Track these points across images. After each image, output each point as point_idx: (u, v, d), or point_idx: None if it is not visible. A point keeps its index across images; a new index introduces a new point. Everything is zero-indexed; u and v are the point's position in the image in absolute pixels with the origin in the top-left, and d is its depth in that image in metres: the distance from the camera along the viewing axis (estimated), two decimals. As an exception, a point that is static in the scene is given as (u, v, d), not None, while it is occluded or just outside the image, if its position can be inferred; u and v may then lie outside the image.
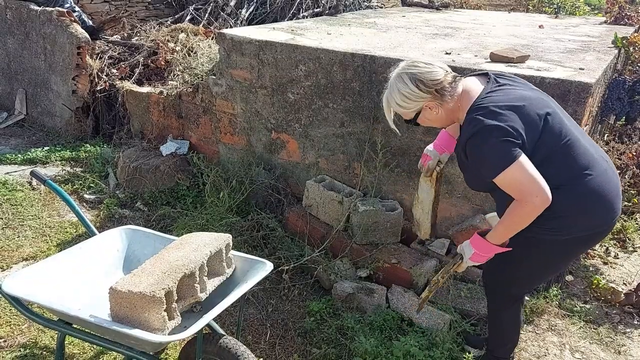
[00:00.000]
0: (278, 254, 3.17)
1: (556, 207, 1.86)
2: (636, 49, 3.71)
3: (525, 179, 1.81)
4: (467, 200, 3.08)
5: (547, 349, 2.68)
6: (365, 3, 6.41)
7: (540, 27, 4.61)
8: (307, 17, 6.12)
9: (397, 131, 2.32)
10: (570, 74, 2.75)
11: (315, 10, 6.35)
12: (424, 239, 2.72)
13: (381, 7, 6.40)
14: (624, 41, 3.69)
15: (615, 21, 5.30)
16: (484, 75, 2.08)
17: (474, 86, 2.01)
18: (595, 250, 3.62)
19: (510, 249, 2.01)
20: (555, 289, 3.07)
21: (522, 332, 2.76)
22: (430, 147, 2.36)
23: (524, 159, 1.81)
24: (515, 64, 2.92)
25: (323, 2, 6.30)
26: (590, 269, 3.41)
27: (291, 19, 6.13)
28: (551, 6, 7.61)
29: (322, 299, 2.93)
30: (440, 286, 2.26)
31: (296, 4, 6.31)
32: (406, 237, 3.29)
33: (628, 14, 5.42)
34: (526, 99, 1.92)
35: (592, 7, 9.61)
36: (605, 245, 3.67)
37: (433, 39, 3.75)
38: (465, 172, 2.13)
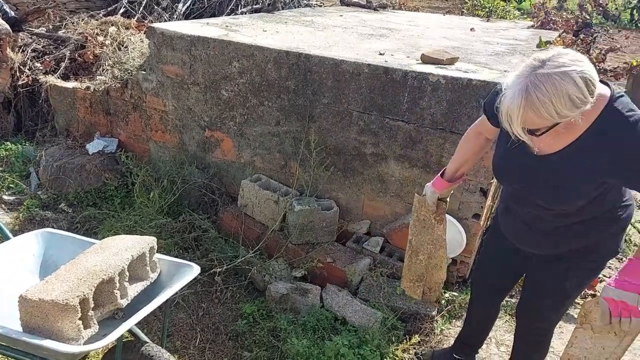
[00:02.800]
0: (211, 255, 3.10)
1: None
2: (559, 53, 3.88)
3: None
4: (400, 199, 3.12)
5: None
6: (305, 1, 6.38)
7: (471, 30, 4.74)
8: (245, 13, 6.03)
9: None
10: (496, 76, 2.83)
11: (255, 6, 6.25)
12: (432, 300, 2.49)
13: (320, 6, 6.40)
14: (547, 45, 3.85)
15: (542, 26, 5.54)
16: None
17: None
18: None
19: None
20: (483, 284, 3.16)
21: (451, 327, 2.83)
22: (429, 186, 2.21)
23: None
24: (445, 66, 2.98)
25: (262, -2, 6.24)
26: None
27: (229, 15, 6.02)
28: (483, 10, 7.88)
29: (255, 301, 2.88)
30: None
31: (234, 0, 6.20)
32: (342, 235, 3.30)
33: (553, 19, 5.68)
34: None
35: (522, 11, 10.05)
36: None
37: (368, 39, 3.77)
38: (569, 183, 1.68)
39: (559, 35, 4.72)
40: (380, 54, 3.25)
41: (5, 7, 5.04)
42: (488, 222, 3.44)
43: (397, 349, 2.55)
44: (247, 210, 3.40)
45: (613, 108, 1.56)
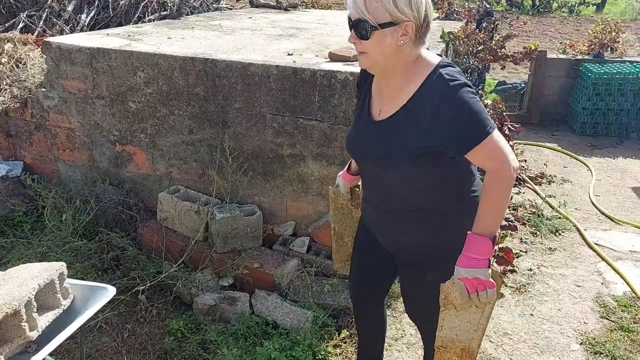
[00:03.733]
0: (132, 274, 2.98)
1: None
2: (461, 42, 4.07)
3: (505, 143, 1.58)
4: (322, 197, 3.14)
5: (404, 330, 2.83)
6: (215, 5, 6.28)
7: (380, 25, 4.86)
8: (153, 21, 5.85)
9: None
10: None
11: (162, 13, 6.09)
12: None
13: (230, 9, 6.33)
14: (450, 35, 4.02)
15: (446, 17, 5.78)
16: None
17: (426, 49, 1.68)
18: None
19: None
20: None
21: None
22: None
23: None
24: (352, 62, 3.03)
25: (170, 5, 6.07)
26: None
27: (136, 23, 5.82)
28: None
29: (183, 316, 2.81)
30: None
31: (141, 8, 6.01)
32: (268, 239, 3.28)
33: (457, 9, 5.95)
34: None
35: (433, 2, 10.42)
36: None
37: (277, 40, 3.77)
38: (389, 147, 1.67)
39: (462, 26, 4.94)
40: (289, 54, 3.26)
41: None
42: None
43: (328, 346, 2.57)
44: (167, 224, 3.30)
45: (438, 74, 1.58)
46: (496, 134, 1.55)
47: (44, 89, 3.54)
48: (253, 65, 2.98)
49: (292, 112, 3.00)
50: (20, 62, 4.38)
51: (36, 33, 5.37)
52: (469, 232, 1.60)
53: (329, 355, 2.55)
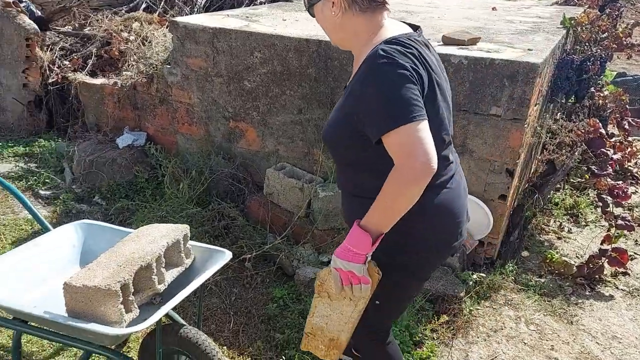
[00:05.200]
0: (240, 242, 3.17)
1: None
2: (583, 28, 3.83)
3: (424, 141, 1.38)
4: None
5: (503, 323, 2.78)
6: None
7: (493, 9, 4.69)
8: (264, 3, 6.06)
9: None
10: (519, 54, 2.82)
11: (274, -4, 6.30)
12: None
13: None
14: (572, 21, 3.80)
15: (566, 2, 5.44)
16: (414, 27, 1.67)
17: (398, 25, 1.62)
18: (549, 226, 3.75)
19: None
20: (511, 265, 3.18)
21: (479, 307, 2.86)
22: None
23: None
24: (466, 47, 2.97)
25: (280, -13, 6.25)
26: (545, 244, 3.54)
27: (248, 6, 6.06)
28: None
29: (284, 285, 2.95)
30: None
31: (254, -10, 6.24)
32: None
33: (578, -6, 5.57)
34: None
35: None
36: (559, 221, 3.81)
37: (388, 24, 3.77)
38: (330, 119, 1.65)
39: (584, 11, 4.63)
40: (401, 38, 3.25)
41: (31, 7, 5.19)
42: (515, 203, 3.44)
43: (426, 329, 2.59)
44: (273, 198, 3.46)
45: (375, 49, 1.47)
46: (413, 127, 1.36)
47: (168, 66, 3.82)
48: (365, 48, 3.01)
49: (402, 96, 3.00)
50: (146, 40, 4.75)
51: (157, 13, 5.76)
52: (356, 220, 1.48)
53: (426, 338, 2.57)
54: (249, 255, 3.04)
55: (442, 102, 1.57)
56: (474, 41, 3.05)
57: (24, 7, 4.94)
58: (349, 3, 1.55)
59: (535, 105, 2.99)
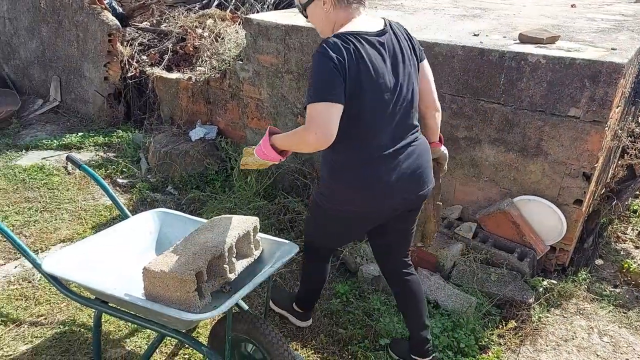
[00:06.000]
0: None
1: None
2: (673, 27, 3.59)
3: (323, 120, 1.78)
4: (494, 184, 3.06)
5: (574, 332, 2.67)
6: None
7: (572, 6, 4.49)
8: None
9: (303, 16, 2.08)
10: (602, 54, 2.68)
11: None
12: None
13: (408, -11, 6.30)
14: (660, 19, 3.58)
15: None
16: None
17: (365, 22, 1.93)
18: (626, 234, 3.56)
19: (278, 161, 2.08)
20: (584, 273, 3.04)
21: (549, 315, 2.76)
22: None
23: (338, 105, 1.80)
24: (545, 45, 2.87)
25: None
26: (621, 252, 3.36)
27: (317, 3, 6.11)
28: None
29: (348, 281, 2.97)
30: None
31: (322, -13, 6.28)
32: (432, 220, 3.29)
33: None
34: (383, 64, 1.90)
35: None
36: (637, 229, 3.61)
37: (461, 20, 3.69)
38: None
39: (673, 8, 4.34)
40: (475, 35, 3.18)
41: (114, 4, 5.47)
42: (590, 209, 3.29)
43: (493, 334, 2.54)
44: (338, 194, 3.48)
45: (327, 39, 1.85)
46: (321, 106, 1.76)
47: (241, 62, 3.92)
48: (438, 45, 2.97)
49: (473, 94, 2.94)
50: (219, 37, 4.90)
51: (228, 9, 5.91)
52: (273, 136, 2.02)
53: (492, 343, 2.51)
54: (314, 250, 3.08)
55: (373, 94, 1.89)
56: (552, 40, 2.93)
57: (107, 3, 5.21)
58: (335, 3, 1.91)
59: (617, 107, 2.84)
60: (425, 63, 2.16)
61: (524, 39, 2.95)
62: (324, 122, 1.77)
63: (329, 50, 1.80)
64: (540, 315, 2.72)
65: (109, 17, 5.04)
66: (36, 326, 2.58)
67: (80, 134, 4.89)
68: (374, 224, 2.19)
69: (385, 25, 1.97)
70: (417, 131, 2.08)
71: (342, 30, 1.87)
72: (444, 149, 2.33)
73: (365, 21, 1.94)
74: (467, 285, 2.85)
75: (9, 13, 5.76)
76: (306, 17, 2.03)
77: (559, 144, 2.78)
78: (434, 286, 2.86)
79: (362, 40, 1.86)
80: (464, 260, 2.99)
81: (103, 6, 5.08)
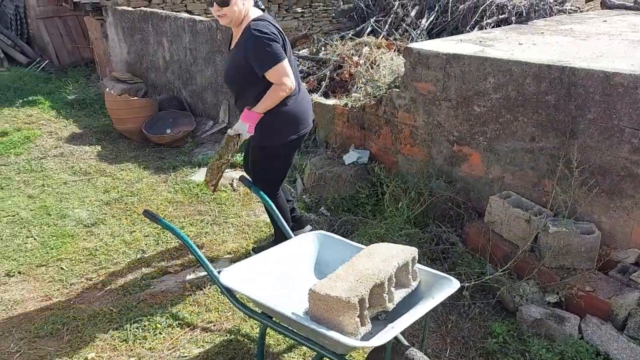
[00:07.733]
0: (458, 269, 3.13)
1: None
2: None
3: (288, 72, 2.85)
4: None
5: None
6: (557, 7, 5.97)
7: None
8: (490, 25, 5.91)
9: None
10: None
11: (500, 17, 6.10)
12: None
13: (576, 12, 5.91)
14: None
15: None
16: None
17: (256, 11, 2.97)
18: None
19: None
20: None
21: None
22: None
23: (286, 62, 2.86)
24: None
25: (509, 8, 6.03)
26: None
27: (473, 28, 5.98)
28: None
29: (505, 321, 2.82)
30: (227, 164, 3.07)
31: (479, 12, 6.13)
32: (603, 264, 3.00)
33: None
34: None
35: None
36: None
37: (643, 45, 3.37)
38: (229, 68, 3.06)
39: None
40: (663, 62, 2.88)
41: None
42: None
43: None
44: (494, 227, 3.34)
45: (251, 23, 2.84)
46: (282, 64, 2.80)
47: (397, 89, 3.98)
48: (618, 75, 2.74)
49: (660, 128, 2.65)
50: (374, 64, 5.02)
51: (381, 36, 6.03)
52: (246, 107, 2.94)
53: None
54: (468, 284, 2.98)
55: (292, 55, 3.02)
56: None
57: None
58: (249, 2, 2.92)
59: None
60: None
61: None
62: (288, 75, 2.82)
63: (263, 28, 2.81)
64: None
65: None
66: (207, 332, 2.83)
67: (243, 154, 5.29)
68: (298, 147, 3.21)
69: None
70: None
71: (252, 17, 2.89)
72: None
73: (255, 9, 2.97)
74: (646, 340, 2.55)
75: (190, 44, 6.50)
76: (223, 6, 2.81)
77: None
78: (605, 336, 2.60)
79: (270, 19, 2.95)
80: (642, 312, 2.67)
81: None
